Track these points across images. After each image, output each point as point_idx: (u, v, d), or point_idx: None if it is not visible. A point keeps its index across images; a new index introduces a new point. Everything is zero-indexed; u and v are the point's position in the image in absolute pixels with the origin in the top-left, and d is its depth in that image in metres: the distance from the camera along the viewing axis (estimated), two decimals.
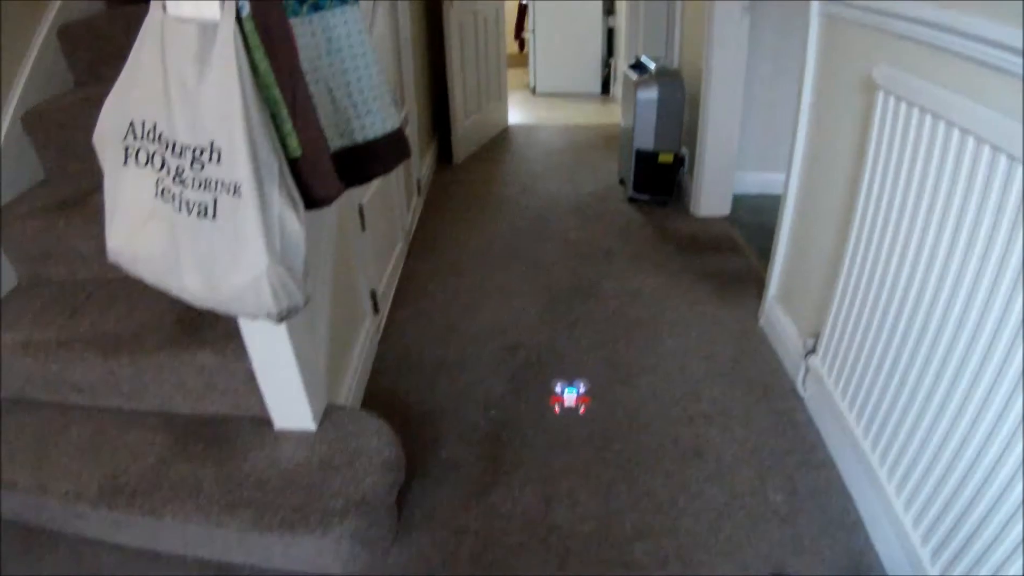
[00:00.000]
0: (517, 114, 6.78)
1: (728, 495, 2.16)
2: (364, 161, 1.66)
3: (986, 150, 1.48)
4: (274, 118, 1.42)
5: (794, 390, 2.55)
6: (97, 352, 2.09)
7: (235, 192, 1.38)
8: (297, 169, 1.47)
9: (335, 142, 1.59)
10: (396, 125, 1.70)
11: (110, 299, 2.30)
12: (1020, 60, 1.36)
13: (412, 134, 3.98)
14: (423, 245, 3.91)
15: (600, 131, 6.21)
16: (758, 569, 1.92)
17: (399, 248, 3.60)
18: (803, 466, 2.24)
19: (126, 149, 1.51)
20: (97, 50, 2.78)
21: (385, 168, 1.73)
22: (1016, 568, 1.41)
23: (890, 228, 1.89)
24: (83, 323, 2.21)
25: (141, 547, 2.07)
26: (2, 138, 2.38)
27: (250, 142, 1.34)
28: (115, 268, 1.79)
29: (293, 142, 1.44)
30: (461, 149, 5.33)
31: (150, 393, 2.15)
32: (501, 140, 6.02)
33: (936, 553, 1.66)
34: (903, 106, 1.81)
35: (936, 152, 1.67)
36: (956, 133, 1.58)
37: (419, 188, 4.36)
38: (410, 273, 3.57)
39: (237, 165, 1.36)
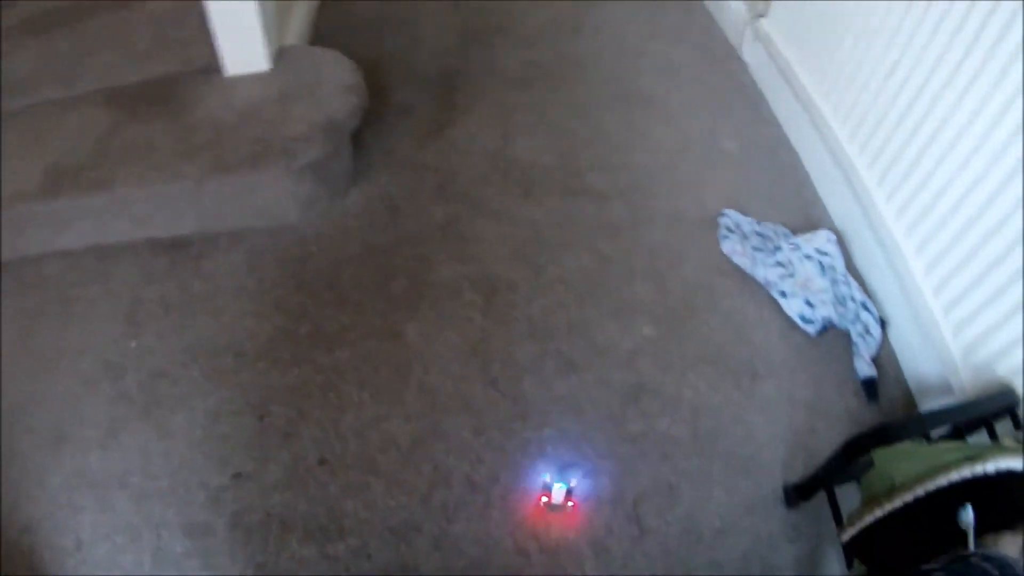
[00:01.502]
0: None
1: (681, 139, 2.21)
2: None
3: None
4: None
5: (736, 55, 2.57)
6: (33, 34, 1.93)
7: None
8: None
9: None
10: None
11: None
12: None
13: None
14: None
15: None
16: (714, 204, 2.01)
17: None
18: (753, 122, 2.30)
19: None
20: None
21: None
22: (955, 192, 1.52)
23: None
24: (9, 16, 2.01)
25: (87, 245, 1.95)
26: None
27: None
28: None
29: None
30: None
31: (92, 67, 1.98)
32: None
33: (888, 192, 1.77)
34: None
35: None
36: None
37: None
38: None
39: None
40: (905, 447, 1.31)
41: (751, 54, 2.52)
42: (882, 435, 1.32)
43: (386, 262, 1.87)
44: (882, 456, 1.30)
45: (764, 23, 2.40)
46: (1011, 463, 1.22)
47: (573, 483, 1.49)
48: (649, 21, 2.78)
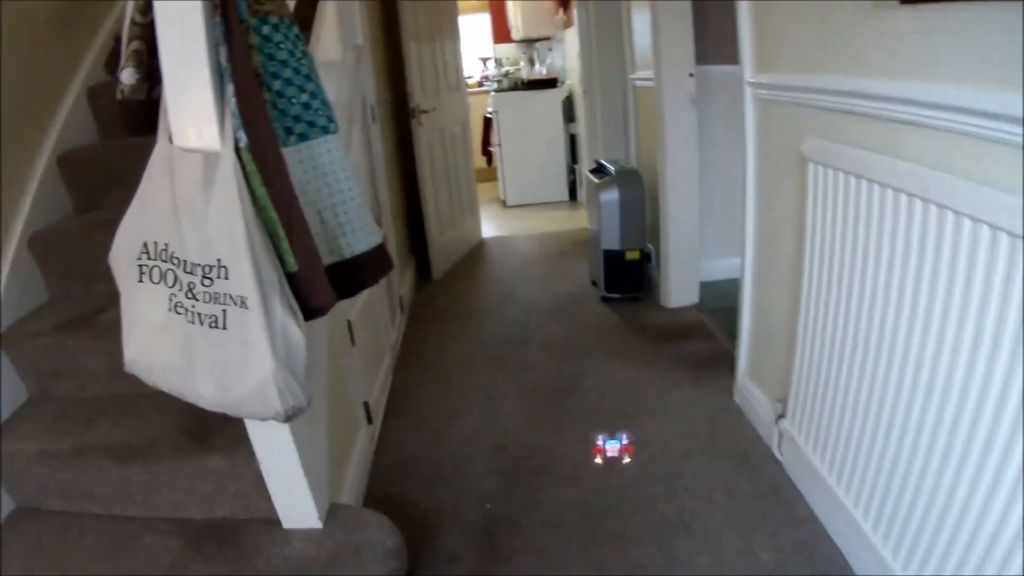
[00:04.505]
0: (490, 227, 6.99)
1: (716, 561, 2.26)
2: (352, 274, 1.83)
3: (903, 199, 1.62)
4: (272, 237, 1.60)
5: (771, 455, 2.65)
6: (112, 460, 2.17)
7: (242, 304, 1.55)
8: (295, 282, 1.64)
9: (325, 258, 1.75)
10: (379, 241, 1.90)
11: (121, 413, 2.37)
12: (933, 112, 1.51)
13: (391, 252, 4.08)
14: (410, 359, 4.01)
15: (570, 236, 6.43)
16: None
17: (387, 362, 3.69)
18: (787, 524, 2.34)
19: (140, 267, 1.68)
20: (95, 178, 2.93)
21: (371, 280, 1.93)
22: None
23: (835, 287, 2.04)
24: (97, 434, 2.28)
25: None
26: (10, 261, 2.52)
27: (253, 259, 1.53)
28: (124, 384, 1.89)
29: (290, 258, 1.62)
30: (439, 265, 5.46)
31: (163, 499, 2.21)
32: (477, 253, 6.21)
33: None
34: (830, 172, 1.98)
35: (863, 209, 1.82)
36: (877, 189, 1.72)
37: (402, 305, 4.46)
38: (399, 386, 3.67)
39: (243, 280, 1.54)
40: None
41: (783, 453, 2.57)
42: None
43: None
44: None
45: (785, 423, 2.47)
46: None
47: (625, 439, 1.46)
48: (686, 437, 2.96)
